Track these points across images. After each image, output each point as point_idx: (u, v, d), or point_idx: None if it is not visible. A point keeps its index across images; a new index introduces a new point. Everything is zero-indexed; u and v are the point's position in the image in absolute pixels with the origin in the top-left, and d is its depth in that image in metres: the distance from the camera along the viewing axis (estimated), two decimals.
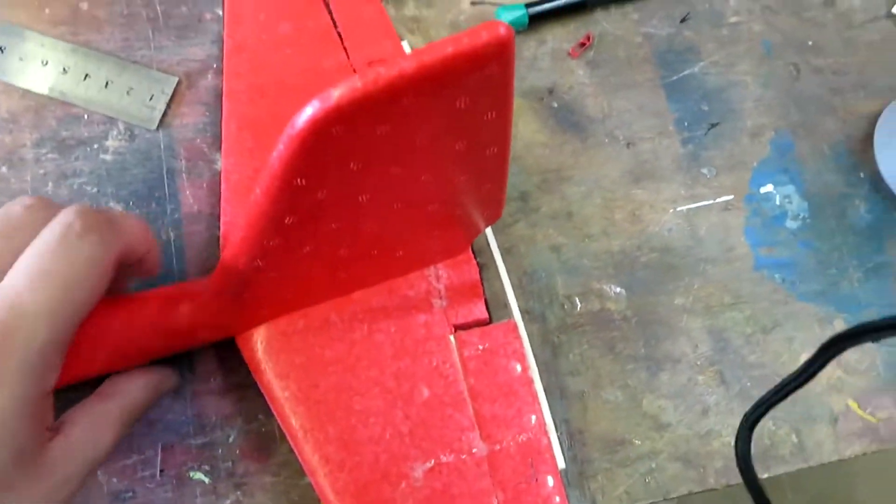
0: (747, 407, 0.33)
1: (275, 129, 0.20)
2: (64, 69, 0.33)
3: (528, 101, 0.36)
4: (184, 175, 0.32)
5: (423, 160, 0.22)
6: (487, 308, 0.31)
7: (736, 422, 0.33)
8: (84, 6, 0.34)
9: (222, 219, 0.30)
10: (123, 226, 0.24)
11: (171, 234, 0.32)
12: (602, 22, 0.37)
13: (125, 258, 0.24)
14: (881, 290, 0.35)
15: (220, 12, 0.35)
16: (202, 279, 0.28)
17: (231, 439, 0.30)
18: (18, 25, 0.33)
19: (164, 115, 0.33)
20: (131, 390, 0.26)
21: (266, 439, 0.30)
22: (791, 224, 0.35)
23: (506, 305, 0.32)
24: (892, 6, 0.38)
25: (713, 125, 0.36)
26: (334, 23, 0.34)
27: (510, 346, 0.30)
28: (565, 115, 0.36)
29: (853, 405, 0.33)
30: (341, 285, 0.29)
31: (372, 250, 0.27)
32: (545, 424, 0.29)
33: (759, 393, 0.33)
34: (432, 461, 0.28)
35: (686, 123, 0.36)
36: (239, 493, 0.29)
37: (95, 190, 0.32)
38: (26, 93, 0.32)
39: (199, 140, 0.33)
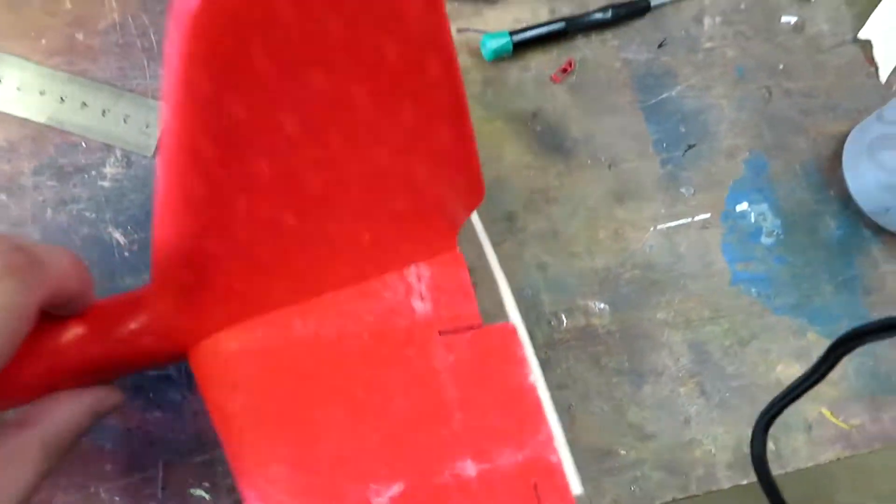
0: (727, 416, 0.35)
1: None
2: (61, 98, 0.34)
3: (513, 124, 0.37)
4: None
5: (354, 88, 0.20)
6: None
7: (717, 430, 0.35)
8: (80, 37, 0.35)
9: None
10: (50, 265, 0.21)
11: None
12: (583, 48, 0.39)
13: (52, 300, 0.21)
14: (851, 303, 0.37)
15: None
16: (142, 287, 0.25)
17: None
18: (16, 56, 0.34)
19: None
20: (56, 416, 0.23)
21: None
22: (766, 240, 0.37)
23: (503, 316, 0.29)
24: (858, 32, 0.40)
25: (690, 146, 0.38)
26: None
27: (508, 351, 0.27)
28: (549, 138, 0.37)
29: (827, 413, 0.35)
30: (305, 284, 0.26)
31: (328, 224, 0.24)
32: (553, 439, 0.25)
33: (738, 403, 0.35)
34: (401, 485, 0.24)
35: (665, 145, 0.38)
36: None
37: (94, 216, 0.33)
38: (25, 122, 0.33)
39: None
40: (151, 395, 0.31)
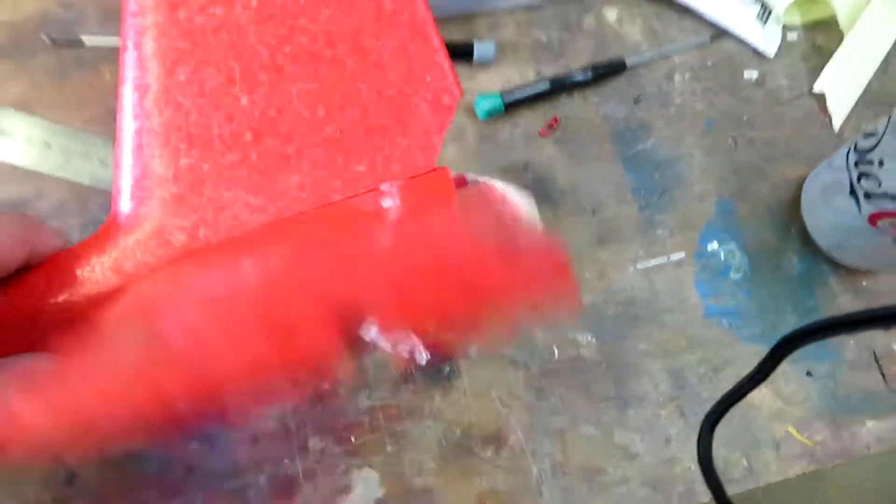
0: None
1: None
2: (103, 162, 0.38)
3: (506, 176, 0.41)
4: None
5: None
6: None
7: (695, 449, 0.38)
8: None
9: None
10: None
11: None
12: (567, 106, 0.43)
13: None
14: None
15: None
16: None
17: (262, 481, 0.34)
18: (62, 124, 0.38)
19: None
20: None
21: (291, 480, 0.34)
22: (734, 276, 0.41)
23: None
24: (813, 86, 0.45)
25: (665, 192, 0.42)
26: None
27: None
28: (539, 188, 0.41)
29: (793, 431, 0.39)
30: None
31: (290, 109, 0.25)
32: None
33: None
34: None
35: (642, 192, 0.42)
36: None
37: None
38: (71, 184, 0.37)
39: None
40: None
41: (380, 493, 0.36)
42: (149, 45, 0.24)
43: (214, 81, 0.25)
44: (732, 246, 0.42)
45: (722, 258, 0.42)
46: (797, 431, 0.39)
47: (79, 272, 0.24)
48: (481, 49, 0.42)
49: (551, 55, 0.44)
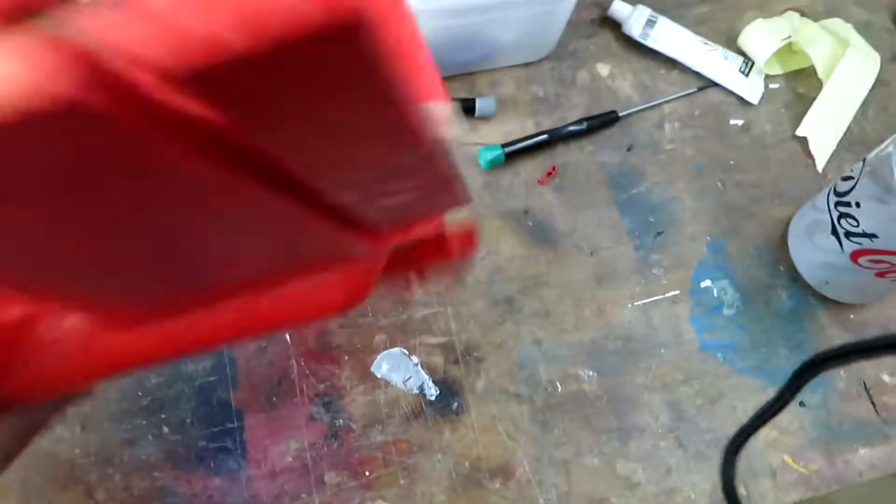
0: (702, 466, 0.40)
1: None
2: None
3: (508, 221, 0.44)
4: None
5: None
6: None
7: (694, 478, 0.40)
8: None
9: None
10: None
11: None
12: (564, 154, 0.46)
13: None
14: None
15: None
16: None
17: None
18: None
19: None
20: None
21: None
22: (727, 312, 0.43)
23: None
24: (796, 130, 0.48)
25: (659, 233, 0.45)
26: None
27: None
28: (539, 232, 0.44)
29: (788, 460, 0.41)
30: None
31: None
32: None
33: (711, 453, 0.40)
34: None
35: (637, 233, 0.45)
36: None
37: None
38: None
39: None
40: (212, 464, 0.37)
41: None
42: None
43: None
44: (725, 283, 0.44)
45: (715, 295, 0.44)
46: (793, 460, 0.41)
47: None
48: (483, 104, 0.46)
49: (548, 108, 0.47)
